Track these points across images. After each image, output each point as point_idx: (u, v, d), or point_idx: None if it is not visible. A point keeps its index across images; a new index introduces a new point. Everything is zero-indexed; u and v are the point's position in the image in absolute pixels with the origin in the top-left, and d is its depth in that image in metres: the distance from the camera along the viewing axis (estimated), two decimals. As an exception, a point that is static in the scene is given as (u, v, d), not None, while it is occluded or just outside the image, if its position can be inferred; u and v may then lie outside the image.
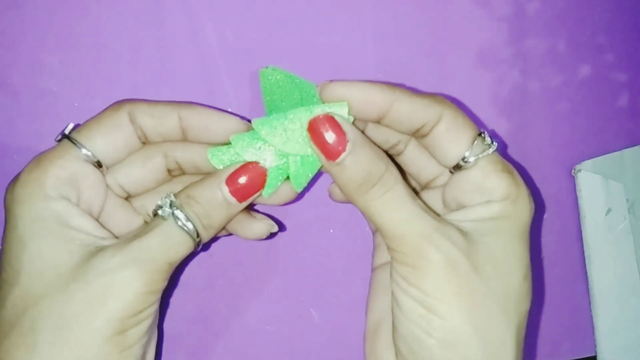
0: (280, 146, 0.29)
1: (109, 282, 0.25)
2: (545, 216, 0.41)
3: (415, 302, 0.26)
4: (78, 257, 0.26)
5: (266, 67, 0.35)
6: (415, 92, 0.28)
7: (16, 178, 0.27)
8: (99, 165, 0.29)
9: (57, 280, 0.25)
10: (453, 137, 0.28)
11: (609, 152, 0.42)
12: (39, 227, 0.26)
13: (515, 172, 0.28)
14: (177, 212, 0.27)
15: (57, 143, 0.28)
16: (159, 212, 0.28)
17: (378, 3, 0.37)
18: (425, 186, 0.32)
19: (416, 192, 0.32)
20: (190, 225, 0.27)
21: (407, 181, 0.29)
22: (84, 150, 0.28)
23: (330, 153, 0.26)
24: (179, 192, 0.29)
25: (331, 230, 0.37)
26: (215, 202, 0.28)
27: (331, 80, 0.28)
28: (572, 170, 0.41)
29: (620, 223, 0.42)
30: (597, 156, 0.41)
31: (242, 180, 0.29)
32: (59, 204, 0.27)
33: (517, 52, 0.40)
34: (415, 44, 0.38)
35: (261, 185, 0.29)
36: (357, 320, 0.37)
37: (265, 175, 0.29)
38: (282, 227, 0.37)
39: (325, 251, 0.37)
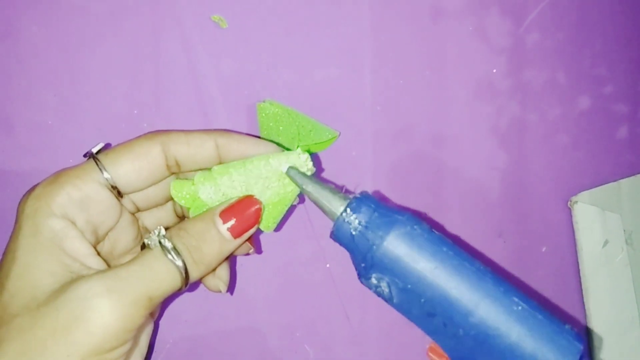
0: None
1: (78, 311, 0.23)
2: (542, 249, 0.41)
3: None
4: (60, 280, 0.24)
5: (263, 101, 0.35)
6: None
7: (32, 189, 0.26)
8: (118, 193, 0.28)
9: (32, 302, 0.24)
10: None
11: (606, 183, 0.42)
12: (33, 243, 0.25)
13: None
14: (165, 241, 0.26)
15: (83, 159, 0.27)
16: (147, 241, 0.26)
17: (376, 36, 0.37)
18: None
19: None
20: (177, 258, 0.26)
21: None
22: (105, 175, 0.27)
23: None
24: (173, 226, 0.27)
25: (327, 265, 0.37)
26: (208, 234, 0.27)
27: None
28: (569, 202, 0.41)
29: (618, 255, 0.41)
30: (595, 187, 0.41)
31: (237, 214, 0.28)
32: (60, 223, 0.25)
33: (515, 84, 0.40)
34: (413, 76, 0.38)
35: (256, 221, 0.29)
36: (352, 357, 0.37)
37: (261, 210, 0.29)
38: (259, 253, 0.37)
39: (321, 286, 0.37)
